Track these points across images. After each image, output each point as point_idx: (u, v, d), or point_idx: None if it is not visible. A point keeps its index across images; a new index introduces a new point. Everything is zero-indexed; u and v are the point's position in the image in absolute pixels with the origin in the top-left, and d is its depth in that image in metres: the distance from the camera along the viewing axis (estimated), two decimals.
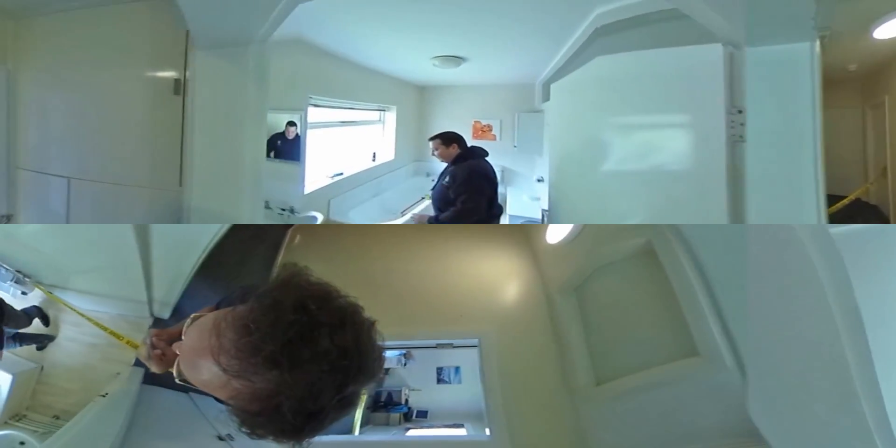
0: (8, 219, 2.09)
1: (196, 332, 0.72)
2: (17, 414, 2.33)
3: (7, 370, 2.33)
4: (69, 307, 2.30)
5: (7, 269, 2.41)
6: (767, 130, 1.40)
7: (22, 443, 2.32)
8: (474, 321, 2.41)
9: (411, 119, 4.37)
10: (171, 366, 0.81)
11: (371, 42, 2.97)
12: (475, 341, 2.42)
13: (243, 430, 0.68)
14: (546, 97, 3.73)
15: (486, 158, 2.60)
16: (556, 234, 2.31)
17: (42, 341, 2.53)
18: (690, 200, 1.59)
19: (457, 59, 3.34)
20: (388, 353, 3.01)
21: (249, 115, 1.53)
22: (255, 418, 0.67)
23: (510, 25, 2.62)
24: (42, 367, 2.50)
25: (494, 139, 4.07)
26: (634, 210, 1.79)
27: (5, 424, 2.28)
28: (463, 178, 2.45)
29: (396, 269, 2.56)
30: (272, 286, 0.70)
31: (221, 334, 0.66)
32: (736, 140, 1.44)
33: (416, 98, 4.38)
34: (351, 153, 3.69)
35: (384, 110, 4.00)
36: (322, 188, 3.19)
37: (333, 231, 2.98)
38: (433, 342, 2.62)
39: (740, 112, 1.43)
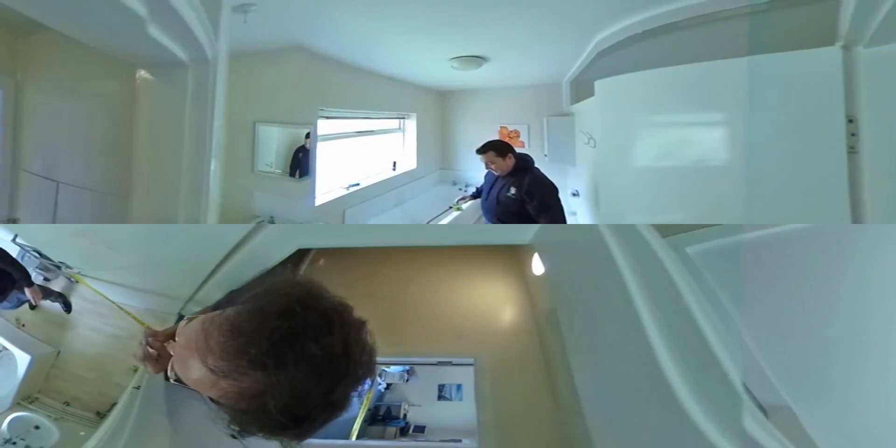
0: (15, 222, 2.29)
1: (187, 333, 0.75)
2: (29, 396, 2.48)
3: (26, 351, 2.49)
4: (98, 292, 2.40)
5: (35, 256, 2.63)
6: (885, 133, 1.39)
7: (37, 427, 2.45)
8: (471, 342, 2.72)
9: (433, 126, 4.31)
10: (165, 366, 0.87)
11: (382, 47, 2.93)
12: (471, 360, 2.72)
13: (233, 427, 0.72)
14: (575, 98, 3.52)
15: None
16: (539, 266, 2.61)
17: (62, 299, 2.69)
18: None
19: (477, 60, 3.19)
20: (392, 369, 3.13)
21: (188, 132, 1.58)
22: (242, 416, 0.70)
23: (532, 20, 2.49)
24: (59, 352, 2.67)
25: (523, 146, 3.86)
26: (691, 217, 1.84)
27: (17, 405, 2.43)
28: (541, 194, 2.50)
29: (404, 295, 2.91)
30: (259, 291, 0.74)
31: (209, 336, 0.70)
32: (847, 151, 1.44)
33: (437, 104, 4.32)
34: (370, 163, 3.70)
35: (404, 118, 3.99)
36: (335, 199, 3.18)
37: (348, 258, 3.16)
38: (434, 360, 2.85)
39: (851, 121, 1.40)
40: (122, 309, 2.48)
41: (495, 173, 2.65)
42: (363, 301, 0.83)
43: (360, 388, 0.82)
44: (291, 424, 0.69)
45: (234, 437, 2.38)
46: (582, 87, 3.49)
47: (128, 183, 1.83)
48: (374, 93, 3.43)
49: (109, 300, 2.45)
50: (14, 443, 2.35)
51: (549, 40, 2.88)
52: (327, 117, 3.09)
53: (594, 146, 3.12)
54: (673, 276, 1.10)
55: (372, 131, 3.65)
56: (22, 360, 2.49)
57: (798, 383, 1.63)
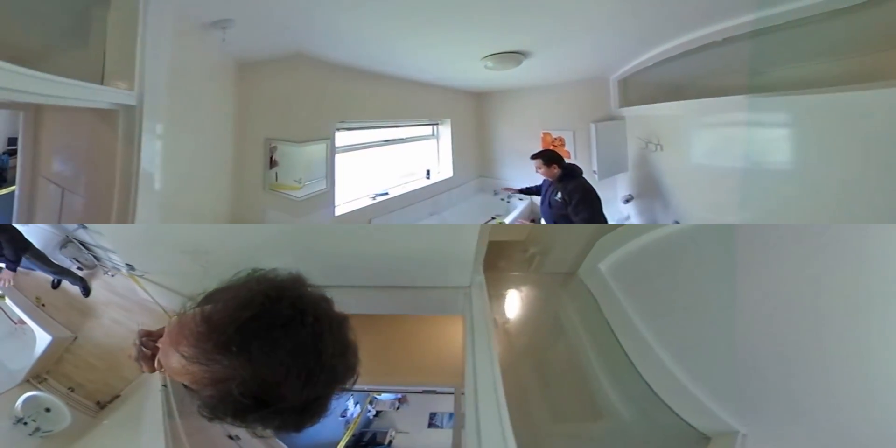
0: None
1: (170, 327, 0.82)
2: (38, 376, 2.63)
3: (48, 331, 2.64)
4: (142, 287, 2.52)
5: (79, 246, 2.86)
6: None
7: (48, 410, 2.53)
8: (454, 373, 2.76)
9: (470, 131, 4.02)
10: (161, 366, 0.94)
11: (404, 49, 2.73)
12: (452, 389, 2.89)
13: (204, 413, 0.76)
14: (624, 99, 3.04)
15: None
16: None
17: (82, 283, 2.86)
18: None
19: (515, 56, 2.84)
20: (383, 397, 3.13)
21: (118, 170, 1.71)
22: (210, 400, 0.74)
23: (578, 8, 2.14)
24: (76, 338, 2.83)
25: (569, 155, 3.40)
26: None
27: (26, 383, 2.58)
28: (580, 197, 2.75)
29: (397, 334, 2.98)
30: (232, 286, 0.81)
31: (183, 327, 0.77)
32: None
33: (472, 108, 4.02)
34: (400, 172, 3.55)
35: (437, 124, 3.77)
36: (359, 209, 3.06)
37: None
38: (420, 388, 3.03)
39: None
40: (165, 312, 2.56)
41: (544, 177, 2.89)
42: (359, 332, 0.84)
43: (342, 388, 0.79)
44: (255, 407, 0.72)
45: (230, 437, 2.30)
46: (632, 88, 3.02)
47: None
48: (399, 100, 3.27)
49: (160, 305, 2.54)
50: (25, 423, 2.41)
51: (607, 30, 2.45)
52: (348, 129, 2.98)
53: (655, 151, 2.93)
54: None
55: (402, 139, 3.49)
56: (42, 339, 2.64)
57: (745, 403, 1.60)
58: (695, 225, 2.01)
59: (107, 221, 1.82)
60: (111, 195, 1.76)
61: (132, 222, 1.72)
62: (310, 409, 0.76)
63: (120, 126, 1.70)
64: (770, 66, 2.10)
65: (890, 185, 1.39)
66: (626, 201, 3.23)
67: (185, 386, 0.79)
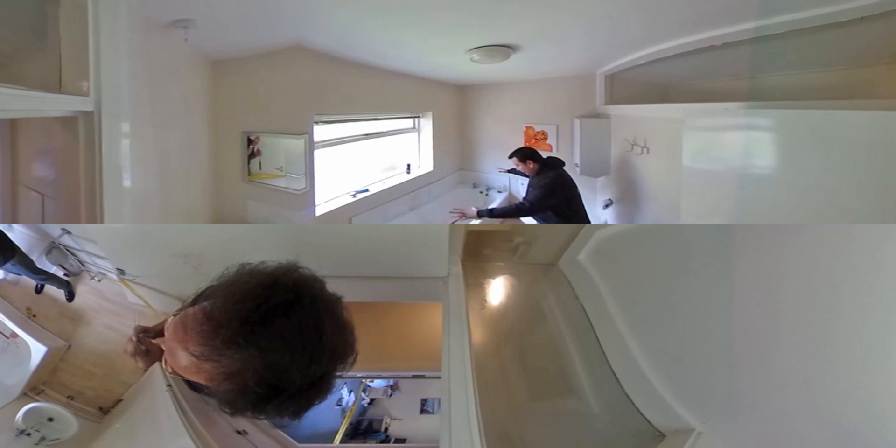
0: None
1: (172, 327, 0.85)
2: (35, 388, 2.72)
3: (42, 342, 2.72)
4: (144, 301, 2.59)
5: (64, 252, 2.89)
6: None
7: (50, 419, 2.62)
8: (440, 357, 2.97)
9: (451, 124, 4.19)
10: (154, 361, 1.03)
11: (389, 40, 2.71)
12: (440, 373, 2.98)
13: (224, 409, 0.81)
14: (609, 96, 3.14)
15: (563, 168, 2.95)
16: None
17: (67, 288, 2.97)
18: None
19: (503, 50, 2.88)
20: (376, 383, 3.21)
21: (81, 177, 1.74)
22: (229, 395, 0.79)
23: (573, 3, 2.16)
24: (69, 346, 2.90)
25: (550, 149, 3.56)
26: None
27: (24, 396, 2.66)
28: (545, 183, 2.85)
29: (387, 322, 3.10)
30: (227, 282, 0.85)
31: (187, 326, 0.80)
32: None
33: (455, 100, 4.17)
34: (381, 167, 3.65)
35: (419, 117, 3.84)
36: (339, 208, 3.17)
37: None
38: (409, 373, 3.15)
39: None
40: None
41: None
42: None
43: (343, 365, 0.84)
44: (272, 396, 0.77)
45: (238, 432, 2.47)
46: (619, 85, 3.12)
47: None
48: (381, 93, 3.36)
49: (152, 308, 2.60)
50: (29, 434, 2.49)
51: (602, 27, 2.48)
52: (327, 122, 2.99)
53: (641, 154, 2.95)
54: None
55: (383, 133, 3.54)
56: (37, 350, 2.72)
57: (708, 399, 1.61)
58: (676, 224, 2.09)
59: (77, 221, 1.92)
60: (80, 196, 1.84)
61: (101, 222, 1.81)
62: (317, 385, 0.80)
63: (81, 131, 1.73)
64: (762, 73, 2.19)
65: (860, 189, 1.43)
66: (606, 206, 3.39)
67: (193, 388, 0.84)
